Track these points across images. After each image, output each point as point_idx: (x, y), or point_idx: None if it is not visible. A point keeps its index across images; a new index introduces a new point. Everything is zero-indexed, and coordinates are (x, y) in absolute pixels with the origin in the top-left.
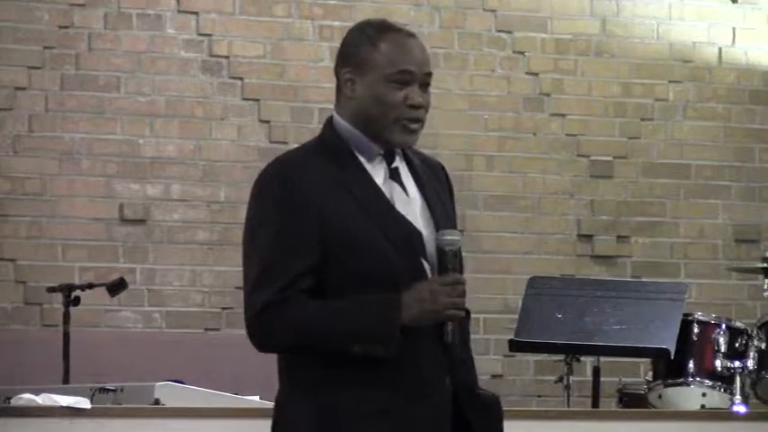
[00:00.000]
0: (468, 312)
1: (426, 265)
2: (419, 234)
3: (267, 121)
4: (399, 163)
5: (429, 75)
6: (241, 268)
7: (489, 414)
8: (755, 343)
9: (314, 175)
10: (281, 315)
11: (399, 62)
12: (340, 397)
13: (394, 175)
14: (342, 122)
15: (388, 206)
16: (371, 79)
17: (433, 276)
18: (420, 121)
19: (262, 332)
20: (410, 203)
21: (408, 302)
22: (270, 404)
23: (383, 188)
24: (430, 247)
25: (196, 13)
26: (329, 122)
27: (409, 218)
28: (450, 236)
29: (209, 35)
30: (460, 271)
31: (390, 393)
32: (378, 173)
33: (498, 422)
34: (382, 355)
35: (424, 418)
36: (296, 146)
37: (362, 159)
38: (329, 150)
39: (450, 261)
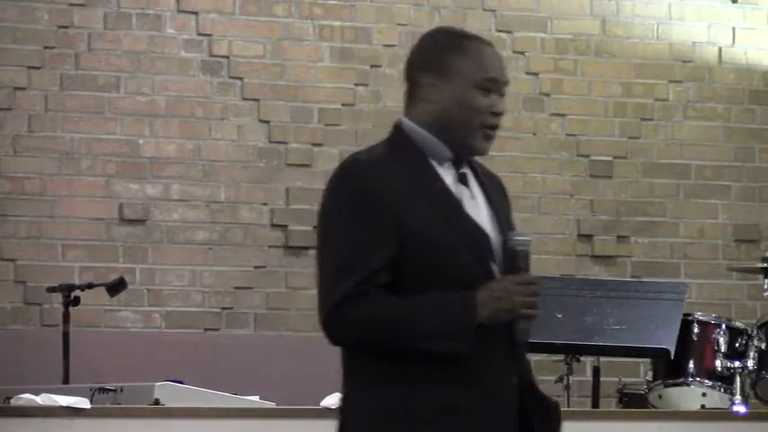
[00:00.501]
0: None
1: (494, 267)
2: (487, 236)
3: (267, 121)
4: (466, 169)
5: (507, 84)
6: (240, 268)
7: (550, 416)
8: (755, 343)
9: (388, 173)
10: (359, 309)
11: (487, 69)
12: (409, 393)
13: (462, 179)
14: (413, 126)
15: (458, 208)
16: (458, 85)
17: (506, 275)
18: (497, 128)
19: (338, 325)
20: (477, 208)
21: (483, 301)
22: (269, 404)
23: (457, 192)
24: (497, 249)
25: (196, 13)
26: (398, 126)
27: (478, 221)
28: (521, 236)
29: (209, 35)
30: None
31: (460, 391)
32: (447, 176)
33: (557, 425)
34: (458, 353)
35: (492, 416)
36: (297, 145)
37: (433, 162)
38: (401, 152)
39: (521, 261)
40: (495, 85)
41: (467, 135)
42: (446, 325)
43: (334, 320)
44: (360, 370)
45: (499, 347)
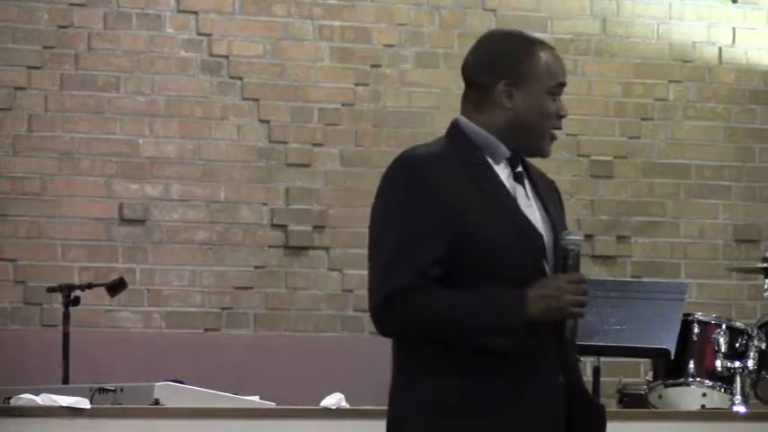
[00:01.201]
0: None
1: (547, 267)
2: (541, 236)
3: (267, 121)
4: (522, 168)
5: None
6: (240, 268)
7: (595, 418)
8: (756, 343)
9: (445, 168)
10: (412, 301)
11: (557, 75)
12: (459, 387)
13: (518, 178)
14: (472, 126)
15: (514, 205)
16: (534, 90)
17: (557, 274)
18: (558, 130)
19: (390, 316)
20: (531, 207)
21: (534, 298)
22: (269, 404)
23: (511, 190)
24: (549, 249)
25: (195, 13)
26: (456, 124)
27: (532, 219)
28: (574, 236)
29: (209, 35)
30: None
31: (508, 387)
32: (503, 174)
33: (602, 429)
34: (508, 349)
35: (538, 413)
36: (297, 144)
37: (490, 160)
38: (458, 148)
39: (572, 260)
40: (561, 90)
41: (539, 139)
42: (497, 320)
43: (387, 311)
44: (412, 362)
45: (548, 345)
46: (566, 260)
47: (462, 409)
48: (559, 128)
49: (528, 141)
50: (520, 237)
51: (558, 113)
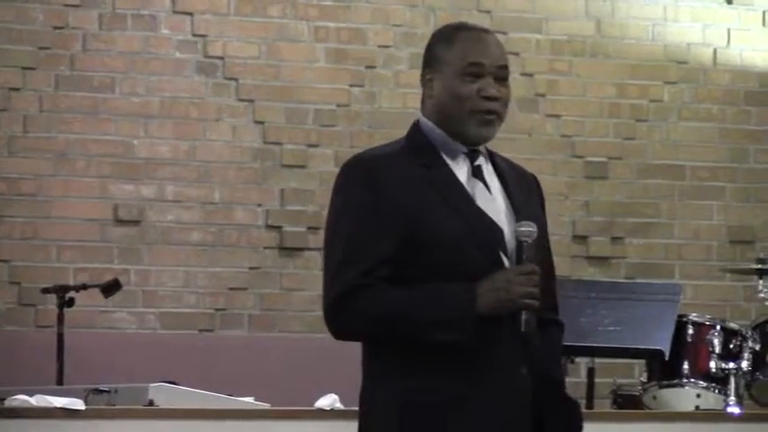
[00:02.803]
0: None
1: (506, 260)
2: (500, 229)
3: (261, 122)
4: (483, 162)
5: (503, 68)
6: (235, 269)
7: (567, 414)
8: (750, 344)
9: (397, 169)
10: (361, 301)
11: (470, 55)
12: (420, 384)
13: (477, 172)
14: (427, 123)
15: (469, 202)
16: (446, 75)
17: (508, 266)
18: (495, 112)
19: (339, 318)
20: (493, 201)
21: (484, 291)
22: (264, 405)
23: (466, 185)
24: (510, 243)
25: (191, 14)
26: (415, 124)
27: (490, 213)
28: (525, 227)
29: (204, 36)
30: (549, 263)
31: (468, 381)
32: (461, 170)
33: (575, 425)
34: (458, 343)
35: (500, 407)
36: (292, 145)
37: (446, 158)
38: (414, 148)
39: (525, 252)
40: (481, 69)
41: (461, 124)
42: (446, 315)
43: (336, 313)
44: (374, 363)
45: (507, 339)
46: (519, 252)
47: (424, 407)
48: (488, 109)
49: (451, 127)
50: (475, 231)
51: (479, 94)
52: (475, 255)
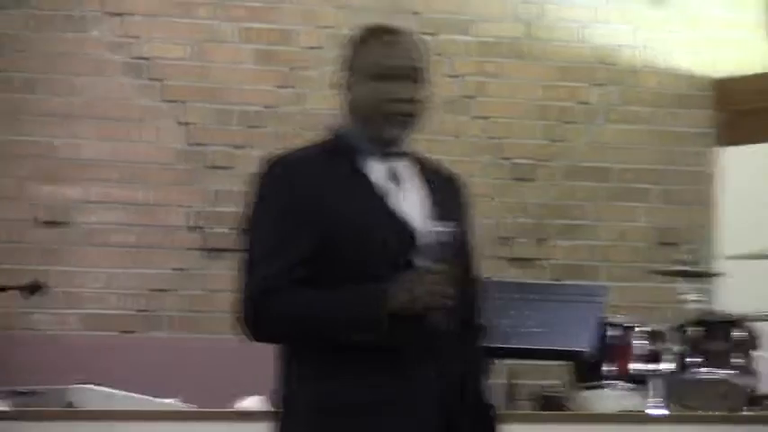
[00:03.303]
0: (485, 327)
1: (420, 261)
2: (413, 230)
3: (188, 123)
4: (402, 163)
5: (418, 69)
6: (157, 271)
7: (480, 417)
8: (673, 346)
9: (315, 170)
10: (273, 303)
11: (384, 58)
12: (335, 386)
13: (394, 174)
14: (345, 125)
15: (383, 203)
16: (361, 78)
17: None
18: (407, 114)
19: (252, 320)
20: (410, 201)
21: (396, 291)
22: (186, 406)
23: (382, 187)
24: (425, 244)
25: (120, 15)
26: (335, 126)
27: (406, 215)
28: (439, 227)
29: (133, 37)
30: (473, 265)
31: (383, 382)
32: (378, 172)
33: (489, 427)
34: (369, 344)
35: (414, 408)
36: (218, 147)
37: (364, 159)
38: (332, 150)
39: (438, 252)
40: (395, 72)
41: (375, 126)
42: (357, 315)
43: (248, 316)
44: (292, 365)
45: (420, 339)
46: (432, 253)
47: (340, 409)
48: (401, 111)
49: (367, 129)
50: (389, 233)
51: (390, 97)
52: (388, 256)
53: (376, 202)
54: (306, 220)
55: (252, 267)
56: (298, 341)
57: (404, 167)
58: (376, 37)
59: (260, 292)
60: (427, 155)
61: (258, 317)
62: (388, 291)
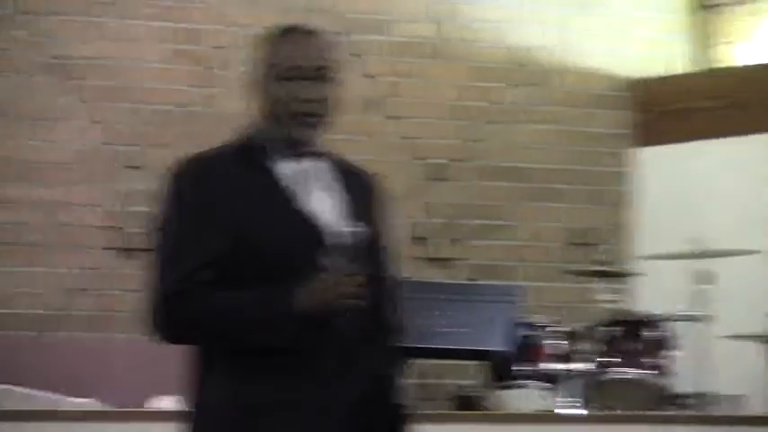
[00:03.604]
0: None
1: (329, 261)
2: (324, 231)
3: (101, 122)
4: (314, 163)
5: (323, 69)
6: (75, 270)
7: (393, 417)
8: (589, 346)
9: (224, 171)
10: (181, 306)
11: (288, 58)
12: (247, 387)
13: (304, 174)
14: (256, 125)
15: (293, 204)
16: (267, 78)
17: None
18: (315, 114)
19: (162, 323)
20: (321, 202)
21: (305, 293)
22: (101, 406)
23: (294, 187)
24: (335, 243)
25: (34, 14)
26: (247, 126)
27: (318, 215)
28: (348, 228)
29: (48, 36)
30: (388, 264)
31: (295, 384)
32: (291, 173)
33: (396, 427)
34: (279, 345)
35: (327, 409)
36: (132, 146)
37: (274, 159)
38: (243, 150)
39: (349, 253)
40: (300, 72)
41: (282, 127)
42: (266, 318)
43: (157, 319)
44: (204, 365)
45: (333, 341)
46: (343, 253)
47: (251, 410)
48: (307, 111)
49: (275, 129)
50: (298, 233)
51: (297, 97)
52: (298, 257)
53: (284, 203)
54: (214, 222)
55: (161, 269)
56: (207, 343)
57: (316, 167)
58: (285, 36)
59: (169, 294)
60: (342, 154)
61: (167, 319)
62: (297, 292)
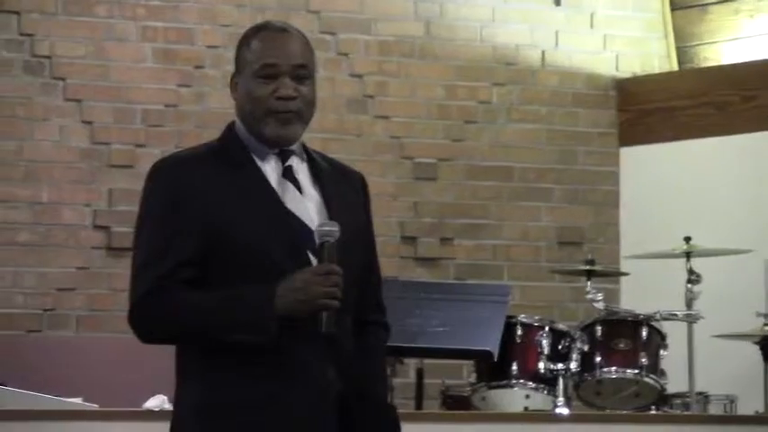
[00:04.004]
0: (386, 325)
1: (314, 259)
2: (308, 230)
3: (89, 122)
4: (296, 162)
5: (301, 67)
6: (63, 269)
7: (378, 417)
8: (578, 345)
9: (204, 171)
10: (159, 305)
11: (265, 56)
12: (224, 385)
13: (287, 173)
14: (239, 125)
15: (277, 203)
16: (244, 77)
17: (307, 267)
18: (292, 112)
19: (140, 322)
20: (303, 201)
21: (282, 292)
22: (92, 406)
23: (275, 186)
24: (312, 241)
25: (17, 13)
26: (230, 126)
27: (299, 214)
28: (326, 227)
29: (31, 35)
30: (373, 263)
31: (272, 383)
32: (272, 171)
33: (388, 429)
34: (258, 345)
35: (303, 408)
36: (120, 145)
37: (257, 159)
38: (225, 150)
39: (326, 252)
40: (276, 70)
41: (259, 126)
42: (245, 317)
43: (136, 318)
44: (185, 365)
45: (311, 340)
46: (319, 252)
47: (227, 409)
48: (284, 109)
49: (253, 129)
50: (281, 233)
51: (274, 94)
52: (281, 256)
53: (262, 202)
54: (192, 221)
55: (137, 269)
56: (186, 342)
57: (296, 165)
58: (261, 35)
59: (147, 294)
60: (326, 153)
61: (145, 319)
62: (276, 291)
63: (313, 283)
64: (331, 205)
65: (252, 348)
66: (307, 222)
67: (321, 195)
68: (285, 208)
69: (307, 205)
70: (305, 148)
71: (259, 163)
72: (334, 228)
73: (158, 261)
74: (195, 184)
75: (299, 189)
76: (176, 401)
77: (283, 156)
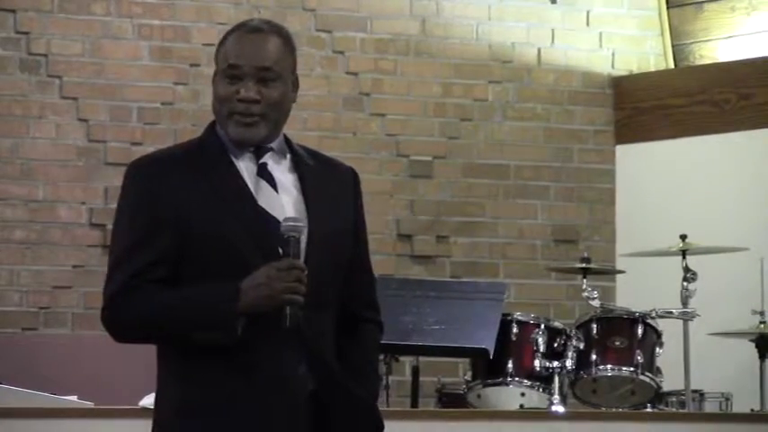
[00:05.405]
0: (380, 323)
1: (275, 255)
2: (271, 227)
3: (86, 120)
4: (272, 159)
5: (265, 69)
6: (59, 267)
7: (356, 414)
8: (574, 343)
9: (179, 169)
10: (128, 304)
11: (230, 57)
12: (196, 385)
13: (262, 171)
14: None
15: (249, 201)
16: (217, 76)
17: (271, 263)
18: (254, 114)
19: (111, 321)
20: (278, 198)
21: (246, 289)
22: (87, 404)
23: (250, 183)
24: (279, 238)
25: (14, 11)
26: (211, 124)
27: (274, 211)
28: (290, 222)
29: (27, 33)
30: (364, 258)
31: (241, 380)
32: (248, 169)
33: (364, 425)
34: (222, 342)
35: (269, 405)
36: (116, 143)
37: (233, 157)
38: (202, 148)
39: (290, 247)
40: (239, 71)
41: (224, 125)
42: (209, 314)
43: (107, 318)
44: (163, 364)
45: (280, 337)
46: (284, 247)
47: (199, 408)
48: (245, 111)
49: (221, 128)
50: (254, 230)
51: (236, 96)
52: (253, 254)
53: (235, 200)
54: (166, 220)
55: (111, 268)
56: (158, 342)
57: (272, 163)
58: (231, 35)
59: (116, 294)
60: (322, 150)
61: (116, 319)
62: (241, 288)
63: (275, 279)
64: (309, 201)
65: (219, 347)
66: (274, 220)
67: (300, 191)
68: (257, 205)
69: (282, 202)
70: (289, 144)
71: (235, 161)
72: (299, 223)
73: (129, 260)
74: (169, 184)
75: (275, 186)
76: (156, 402)
77: (259, 153)
